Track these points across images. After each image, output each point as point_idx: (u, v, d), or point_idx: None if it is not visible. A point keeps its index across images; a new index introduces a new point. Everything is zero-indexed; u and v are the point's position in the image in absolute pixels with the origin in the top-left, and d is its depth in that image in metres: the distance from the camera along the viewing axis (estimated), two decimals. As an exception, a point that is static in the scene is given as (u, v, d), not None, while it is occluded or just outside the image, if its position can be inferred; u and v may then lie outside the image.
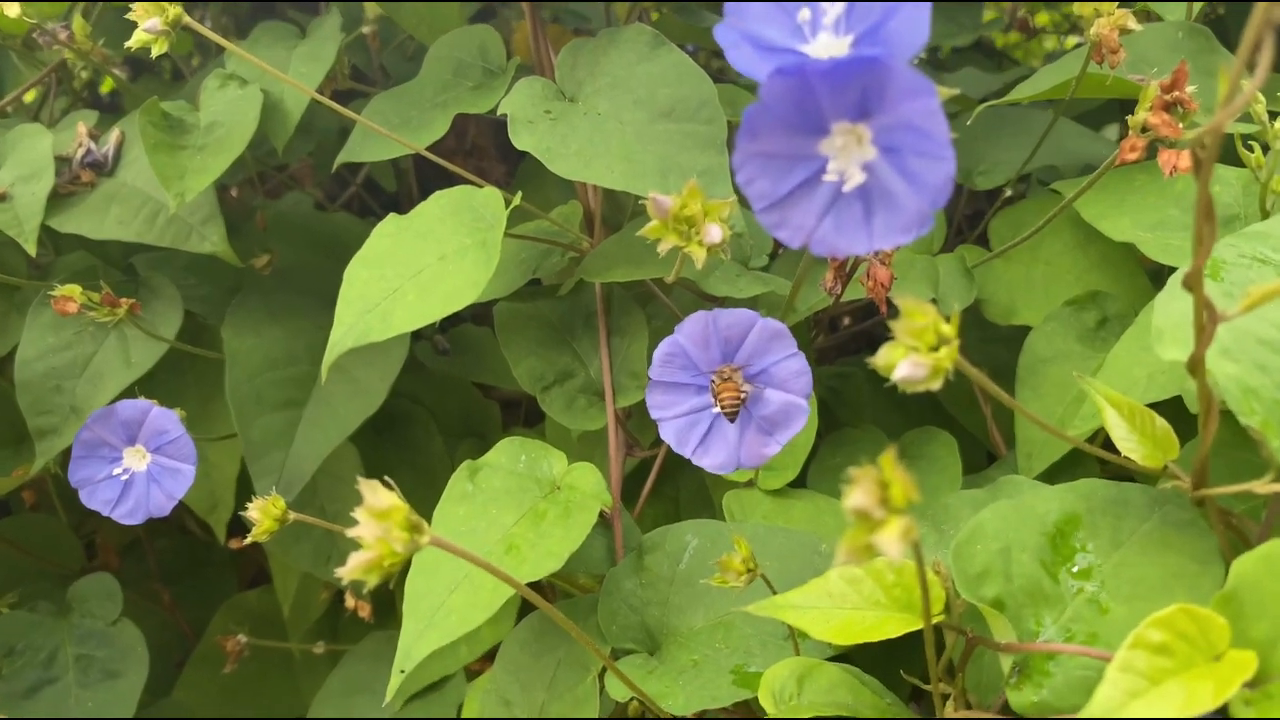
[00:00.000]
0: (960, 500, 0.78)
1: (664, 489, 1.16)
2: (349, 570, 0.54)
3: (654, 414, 0.73)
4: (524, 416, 1.33)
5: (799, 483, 0.97)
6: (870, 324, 1.28)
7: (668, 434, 0.73)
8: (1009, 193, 1.10)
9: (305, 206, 1.41)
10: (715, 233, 0.65)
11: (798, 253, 1.03)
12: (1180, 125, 0.68)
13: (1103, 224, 0.94)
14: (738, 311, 0.70)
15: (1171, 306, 0.62)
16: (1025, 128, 1.14)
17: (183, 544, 1.43)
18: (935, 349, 0.52)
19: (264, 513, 0.83)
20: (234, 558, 1.44)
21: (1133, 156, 0.71)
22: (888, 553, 0.42)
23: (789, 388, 0.70)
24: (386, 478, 0.57)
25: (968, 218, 1.26)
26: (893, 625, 0.63)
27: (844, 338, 1.29)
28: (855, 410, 1.16)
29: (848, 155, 0.52)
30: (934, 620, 0.63)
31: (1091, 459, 0.99)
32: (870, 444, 1.07)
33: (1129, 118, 0.72)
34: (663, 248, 0.65)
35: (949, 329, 0.52)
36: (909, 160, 0.51)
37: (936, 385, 0.52)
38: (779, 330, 0.69)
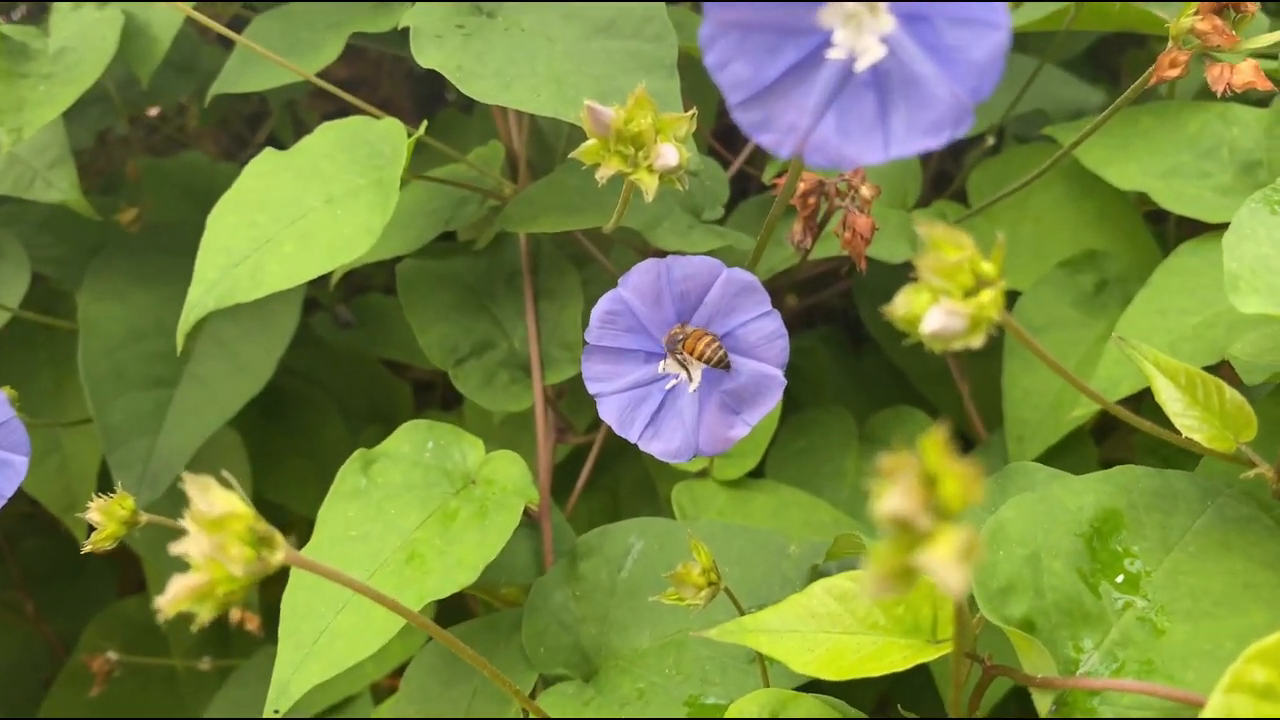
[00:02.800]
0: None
1: (601, 480, 1.02)
2: (168, 601, 0.39)
3: (591, 387, 0.58)
4: (441, 399, 1.18)
5: (756, 472, 0.84)
6: (829, 294, 1.15)
7: (608, 412, 0.58)
8: (990, 142, 0.97)
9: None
10: (670, 154, 0.50)
11: (758, 204, 0.89)
12: (1236, 33, 0.55)
13: (1107, 171, 0.82)
14: (697, 260, 0.56)
15: (1243, 248, 0.49)
16: (1008, 71, 1.01)
17: (52, 546, 1.26)
18: (973, 293, 0.38)
19: (108, 514, 0.67)
20: (113, 561, 1.27)
21: (1173, 73, 0.58)
22: (942, 580, 0.28)
23: (760, 354, 0.56)
24: (224, 472, 0.42)
25: (941, 171, 1.13)
26: (896, 655, 0.49)
27: (802, 308, 1.15)
28: (816, 389, 1.02)
29: (858, 26, 0.38)
30: (947, 646, 0.49)
31: (1090, 443, 0.87)
32: (837, 426, 0.94)
33: (1170, 24, 0.58)
34: (602, 174, 0.51)
35: (990, 267, 0.38)
36: (942, 30, 0.37)
37: (977, 342, 0.38)
38: (749, 283, 0.55)
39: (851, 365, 1.14)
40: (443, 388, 1.20)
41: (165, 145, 1.36)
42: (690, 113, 0.51)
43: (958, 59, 0.37)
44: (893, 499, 0.29)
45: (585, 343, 0.57)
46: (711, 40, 0.38)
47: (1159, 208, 0.89)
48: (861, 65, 0.37)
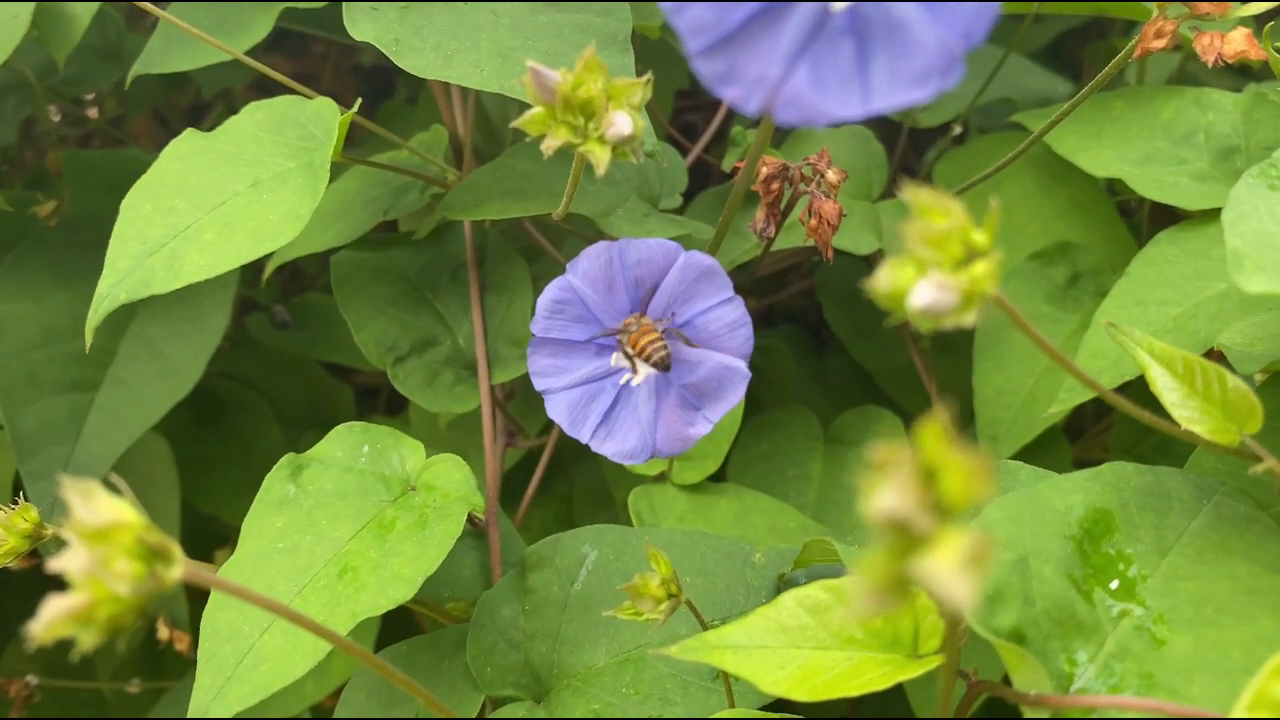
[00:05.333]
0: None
1: (554, 487, 0.97)
2: (45, 624, 0.33)
3: (539, 384, 0.54)
4: (385, 404, 1.12)
5: (717, 476, 0.79)
6: (789, 293, 1.11)
7: (557, 410, 0.54)
8: (958, 130, 0.93)
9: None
10: (623, 122, 0.45)
11: (718, 194, 0.85)
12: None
13: (1080, 158, 0.79)
14: (653, 242, 0.51)
15: (1244, 225, 0.46)
16: (973, 59, 0.97)
17: (-31, 562, 1.18)
18: (964, 265, 0.34)
19: (8, 528, 0.61)
20: (36, 579, 1.20)
21: (1158, 44, 0.55)
22: (946, 591, 0.24)
23: (722, 344, 0.51)
24: (114, 475, 0.36)
25: (904, 167, 1.10)
26: (874, 672, 0.45)
27: (763, 307, 1.11)
28: (779, 389, 0.98)
29: (834, -38, 0.33)
30: (931, 661, 0.45)
31: (1064, 442, 0.83)
32: (801, 428, 0.89)
33: (1156, -8, 0.55)
34: (548, 145, 0.46)
35: (983, 237, 0.34)
36: (930, -32, 0.33)
37: (969, 320, 0.34)
38: (709, 267, 0.51)
39: (813, 366, 1.10)
40: (387, 392, 1.14)
41: (100, 142, 1.30)
42: (645, 78, 0.47)
43: (947, 1, 0.33)
44: (887, 496, 0.24)
45: (532, 334, 0.53)
46: (668, -22, 0.34)
47: (1130, 200, 0.86)
48: (839, 5, 0.32)
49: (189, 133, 0.66)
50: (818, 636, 0.46)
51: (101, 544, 0.34)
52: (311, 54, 1.43)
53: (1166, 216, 0.80)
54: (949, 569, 0.24)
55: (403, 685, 0.45)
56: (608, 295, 0.52)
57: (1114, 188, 0.86)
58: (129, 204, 0.63)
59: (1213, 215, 0.73)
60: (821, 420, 0.92)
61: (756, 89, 0.34)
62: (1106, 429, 0.92)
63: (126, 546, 0.34)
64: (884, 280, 0.34)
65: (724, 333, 0.51)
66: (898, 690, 0.67)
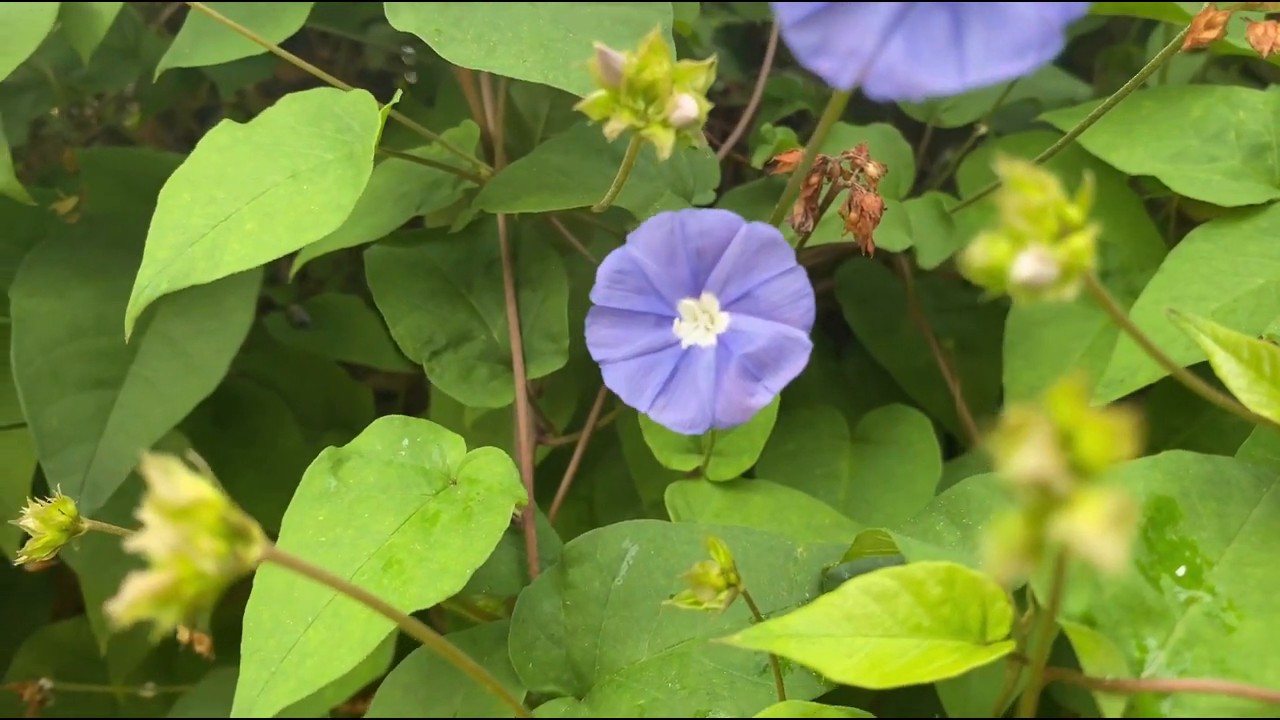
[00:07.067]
0: (982, 487, 0.60)
1: (575, 487, 0.97)
2: (129, 603, 0.33)
3: (597, 354, 0.53)
4: (403, 404, 1.11)
5: (748, 475, 0.78)
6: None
7: (616, 380, 0.53)
8: (983, 130, 0.93)
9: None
10: (689, 106, 0.45)
11: (748, 191, 0.85)
12: (1278, -11, 0.52)
13: (1112, 156, 0.79)
14: (713, 213, 0.51)
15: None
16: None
17: (-25, 565, 1.17)
18: (1059, 239, 0.34)
19: (46, 520, 0.60)
20: (47, 582, 1.19)
21: (1209, 35, 0.55)
22: (1093, 552, 0.23)
23: (782, 315, 0.51)
24: (192, 453, 0.36)
25: (920, 170, 1.10)
26: (945, 658, 0.44)
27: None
28: (804, 388, 0.97)
29: (931, -67, 0.33)
30: (1000, 648, 0.45)
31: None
32: (828, 426, 0.89)
33: (1204, -15, 0.55)
34: (612, 129, 0.46)
35: (1077, 212, 0.34)
36: (1029, -61, 0.32)
37: (1070, 293, 0.33)
38: (770, 238, 0.50)
39: (832, 367, 1.10)
40: (405, 393, 1.13)
41: (105, 140, 1.29)
42: (709, 60, 0.46)
43: (1045, -27, 0.32)
44: (1028, 458, 0.24)
45: (592, 303, 0.52)
46: (763, -50, 0.33)
47: (1157, 197, 0.86)
48: (941, -26, 0.32)
49: (225, 123, 0.66)
50: (885, 624, 0.46)
51: (185, 522, 0.33)
52: (317, 58, 1.42)
53: (1192, 217, 0.80)
54: (1094, 529, 0.23)
55: (467, 668, 0.44)
56: (669, 266, 0.52)
57: (1140, 185, 0.86)
58: (167, 194, 0.63)
59: (1247, 212, 0.73)
60: (844, 420, 0.92)
61: (850, 61, 0.34)
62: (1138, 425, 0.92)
63: (209, 525, 0.33)
64: (980, 255, 0.33)
65: (786, 303, 0.51)
66: (918, 691, 0.67)
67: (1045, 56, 0.33)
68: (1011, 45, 0.33)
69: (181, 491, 0.33)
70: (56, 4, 0.80)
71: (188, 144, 1.32)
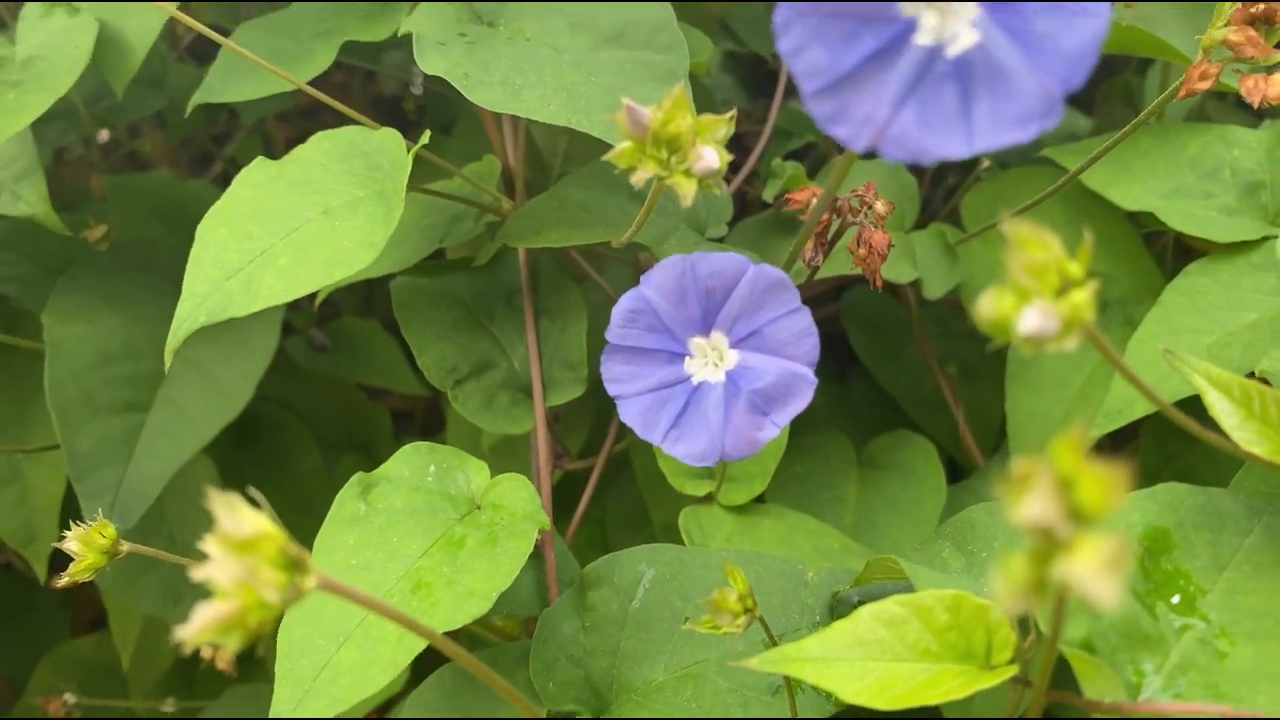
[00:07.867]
0: (986, 514, 0.63)
1: (588, 510, 0.99)
2: (197, 630, 0.35)
3: (612, 389, 0.56)
4: (419, 426, 1.14)
5: (757, 498, 0.81)
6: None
7: (630, 415, 0.56)
8: (986, 164, 0.96)
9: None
10: (711, 157, 0.48)
11: (758, 224, 0.87)
12: (1270, 44, 0.55)
13: (1111, 191, 0.81)
14: (723, 256, 0.54)
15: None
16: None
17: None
18: (1061, 294, 0.36)
19: (87, 543, 0.63)
20: (66, 598, 1.21)
21: (1203, 85, 0.57)
22: (1090, 592, 0.26)
23: (789, 352, 0.54)
24: (252, 489, 0.38)
25: (924, 199, 1.13)
26: (951, 682, 0.47)
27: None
28: (810, 414, 1.00)
29: (944, 13, 0.36)
30: (1004, 672, 0.47)
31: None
32: (835, 451, 0.91)
33: (1199, 38, 0.58)
34: (638, 179, 0.48)
35: (1077, 268, 0.37)
36: (1032, 17, 0.35)
37: (1071, 345, 0.36)
38: (777, 279, 0.53)
39: (837, 392, 1.13)
40: (421, 415, 1.16)
41: (125, 165, 1.32)
42: (729, 114, 0.49)
43: (1047, 48, 0.35)
44: (1033, 506, 0.27)
45: (607, 341, 0.55)
46: (787, 25, 0.36)
47: (1154, 231, 0.89)
48: (953, 51, 0.35)
49: (259, 161, 0.69)
50: (894, 649, 0.48)
51: (249, 554, 0.35)
52: (330, 84, 1.45)
53: (1190, 250, 0.82)
54: (1091, 572, 0.26)
55: (498, 687, 0.47)
56: (680, 306, 0.54)
57: (1138, 220, 0.89)
58: (204, 230, 0.65)
59: (1241, 248, 0.76)
60: (851, 445, 0.94)
61: (865, 128, 0.37)
62: (1129, 456, 0.95)
63: (271, 557, 0.36)
64: (987, 308, 0.36)
65: (792, 341, 0.54)
66: (926, 713, 0.70)
67: (1048, 125, 0.36)
68: (1016, 115, 0.36)
69: (245, 526, 0.36)
70: (92, 38, 0.82)
71: (204, 166, 1.36)
